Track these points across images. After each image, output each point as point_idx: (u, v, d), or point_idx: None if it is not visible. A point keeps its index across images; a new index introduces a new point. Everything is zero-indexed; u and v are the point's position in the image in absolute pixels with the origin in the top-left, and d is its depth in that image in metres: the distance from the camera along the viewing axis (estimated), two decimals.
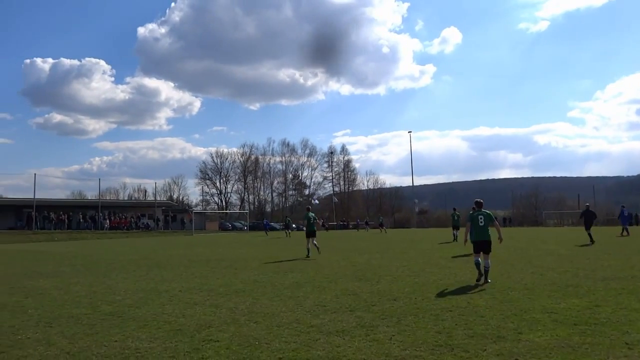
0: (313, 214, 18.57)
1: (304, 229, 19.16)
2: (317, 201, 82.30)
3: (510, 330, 5.84)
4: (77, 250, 24.54)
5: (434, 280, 10.31)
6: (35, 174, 48.07)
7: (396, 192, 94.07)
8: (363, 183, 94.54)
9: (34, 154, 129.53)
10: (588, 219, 22.58)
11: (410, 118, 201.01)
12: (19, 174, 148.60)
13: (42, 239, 37.83)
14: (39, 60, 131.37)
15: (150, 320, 6.91)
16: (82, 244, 32.65)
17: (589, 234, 21.91)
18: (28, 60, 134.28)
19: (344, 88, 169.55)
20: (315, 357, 4.95)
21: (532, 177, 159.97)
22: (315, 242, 17.81)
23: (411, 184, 79.20)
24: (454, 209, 27.43)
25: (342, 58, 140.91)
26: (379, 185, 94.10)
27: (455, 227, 25.16)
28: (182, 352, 5.22)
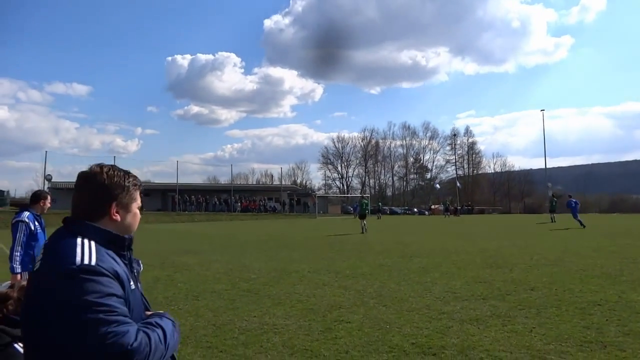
0: (366, 201, 26.17)
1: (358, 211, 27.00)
2: (438, 186, 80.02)
3: None
4: (214, 231, 26.69)
5: (575, 270, 9.46)
6: (177, 161, 53.18)
7: (526, 176, 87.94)
8: (489, 166, 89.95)
9: (175, 143, 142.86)
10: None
11: (543, 96, 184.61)
12: (163, 161, 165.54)
13: (184, 219, 41.83)
14: (179, 57, 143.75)
15: (284, 298, 7.26)
16: (217, 224, 35.47)
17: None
18: (170, 58, 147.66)
19: (468, 67, 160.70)
20: (449, 344, 4.82)
21: None
22: (365, 222, 23.52)
23: (543, 167, 73.39)
24: (552, 195, 35.54)
25: (467, 35, 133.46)
26: (506, 168, 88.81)
27: (552, 211, 32.28)
28: (316, 331, 5.40)
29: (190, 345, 4.97)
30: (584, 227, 23.40)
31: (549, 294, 7.27)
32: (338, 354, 4.61)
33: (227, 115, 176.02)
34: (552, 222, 30.41)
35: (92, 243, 1.46)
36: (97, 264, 1.39)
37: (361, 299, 7.10)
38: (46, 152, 47.27)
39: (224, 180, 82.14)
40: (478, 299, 6.98)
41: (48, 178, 44.47)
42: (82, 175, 1.59)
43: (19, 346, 2.08)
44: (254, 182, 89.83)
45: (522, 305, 6.54)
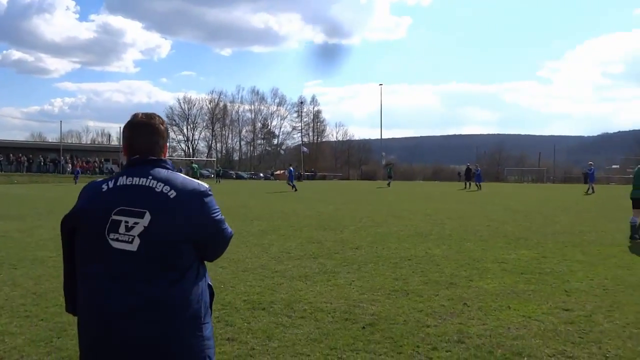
0: (196, 165, 29.67)
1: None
2: (283, 152, 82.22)
3: (462, 278, 6.23)
4: (39, 194, 24.08)
5: (395, 231, 10.71)
6: None
7: (364, 145, 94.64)
8: (332, 134, 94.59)
9: None
10: (468, 175, 35.23)
11: (384, 71, 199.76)
12: None
13: (1, 181, 36.78)
14: None
15: None
16: (43, 187, 31.95)
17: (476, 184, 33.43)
18: None
19: (318, 37, 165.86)
20: (278, 299, 5.21)
21: (498, 134, 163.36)
22: None
23: (379, 137, 79.92)
24: (387, 163, 44.78)
25: (318, 5, 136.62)
26: (347, 137, 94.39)
27: (390, 177, 38.63)
28: None
29: (4, 316, 4.61)
30: (296, 190, 29.13)
31: (370, 251, 8.18)
32: None
33: (57, 64, 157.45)
34: (388, 187, 35.36)
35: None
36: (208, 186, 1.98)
37: None
38: None
39: (51, 138, 73.86)
40: (309, 258, 7.57)
41: None
42: (146, 122, 1.98)
43: None
44: (89, 142, 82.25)
45: (346, 262, 7.27)
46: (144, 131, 1.97)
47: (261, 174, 70.36)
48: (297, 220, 12.91)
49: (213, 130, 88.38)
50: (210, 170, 59.66)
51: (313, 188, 36.34)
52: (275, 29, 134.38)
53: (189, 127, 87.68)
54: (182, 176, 1.96)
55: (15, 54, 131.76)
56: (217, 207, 1.96)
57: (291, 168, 33.95)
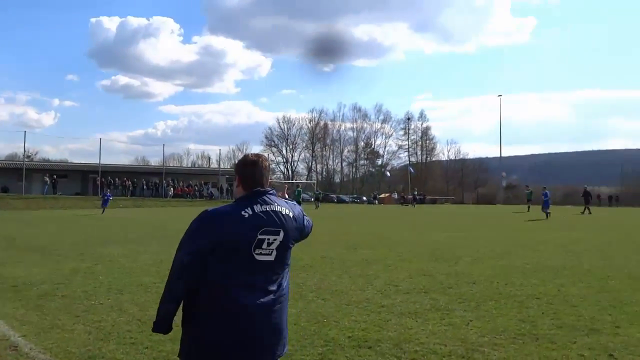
0: (300, 189, 33.10)
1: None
2: (389, 173, 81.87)
3: (606, 323, 5.74)
4: (142, 218, 26.25)
5: (520, 265, 10.16)
6: (100, 139, 51.39)
7: (481, 164, 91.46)
8: (443, 153, 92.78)
9: (99, 118, 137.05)
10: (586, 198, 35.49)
11: (504, 80, 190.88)
12: (84, 138, 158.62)
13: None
14: (105, 19, 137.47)
15: None
16: (146, 211, 34.80)
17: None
18: (94, 19, 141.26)
19: (428, 46, 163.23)
20: (385, 338, 5.17)
21: None
22: None
23: (499, 155, 76.73)
24: (527, 186, 42.73)
25: (428, 11, 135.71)
26: (460, 156, 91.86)
27: (529, 200, 37.96)
28: None
29: (112, 342, 5.06)
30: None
31: (490, 287, 7.84)
32: None
33: (161, 88, 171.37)
34: (528, 212, 34.45)
35: None
36: None
37: (300, 292, 7.36)
38: None
39: (154, 161, 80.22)
40: (419, 292, 7.42)
41: None
42: (264, 160, 2.69)
43: None
44: (189, 165, 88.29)
45: (462, 298, 7.03)
46: (259, 168, 2.65)
47: (364, 198, 70.64)
48: (406, 249, 12.75)
49: (313, 151, 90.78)
50: (309, 193, 61.03)
51: (422, 213, 35.72)
52: (379, 41, 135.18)
53: (288, 148, 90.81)
54: (285, 201, 2.75)
55: (123, 79, 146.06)
56: None
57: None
